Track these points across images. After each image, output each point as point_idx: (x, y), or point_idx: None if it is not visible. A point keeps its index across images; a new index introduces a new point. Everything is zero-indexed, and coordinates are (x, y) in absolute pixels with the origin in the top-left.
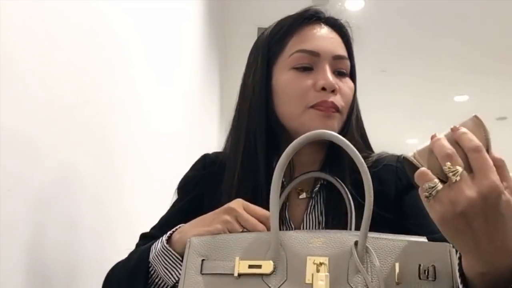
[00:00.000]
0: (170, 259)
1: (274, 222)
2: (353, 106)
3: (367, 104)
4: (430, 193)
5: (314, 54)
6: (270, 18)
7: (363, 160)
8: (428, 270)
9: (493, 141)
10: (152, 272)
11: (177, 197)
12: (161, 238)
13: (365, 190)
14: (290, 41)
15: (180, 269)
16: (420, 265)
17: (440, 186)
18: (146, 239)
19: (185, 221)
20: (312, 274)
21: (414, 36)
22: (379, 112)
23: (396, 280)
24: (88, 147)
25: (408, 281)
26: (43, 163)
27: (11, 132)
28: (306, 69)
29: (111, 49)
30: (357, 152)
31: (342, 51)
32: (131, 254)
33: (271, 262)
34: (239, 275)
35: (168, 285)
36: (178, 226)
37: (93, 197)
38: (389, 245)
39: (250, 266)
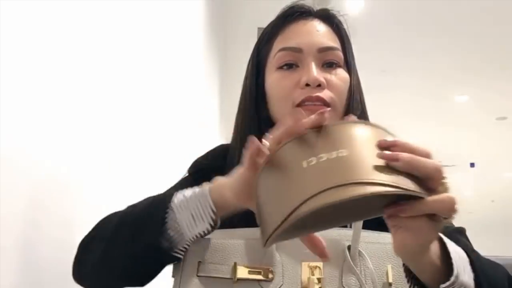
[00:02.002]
0: (203, 208)
1: None
2: (351, 99)
3: (367, 104)
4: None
5: (297, 50)
6: (270, 18)
7: None
8: None
9: (493, 141)
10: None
11: (187, 175)
12: (194, 188)
13: None
14: (275, 41)
15: (208, 223)
16: None
17: None
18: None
19: None
20: (308, 278)
21: (414, 36)
22: (379, 112)
23: (389, 281)
24: (86, 146)
25: (401, 282)
26: (40, 162)
27: (9, 132)
28: (291, 67)
29: (111, 49)
30: None
31: (331, 42)
32: (135, 204)
33: (270, 268)
34: (237, 279)
35: (177, 242)
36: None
37: (90, 197)
38: (382, 249)
39: (250, 272)
